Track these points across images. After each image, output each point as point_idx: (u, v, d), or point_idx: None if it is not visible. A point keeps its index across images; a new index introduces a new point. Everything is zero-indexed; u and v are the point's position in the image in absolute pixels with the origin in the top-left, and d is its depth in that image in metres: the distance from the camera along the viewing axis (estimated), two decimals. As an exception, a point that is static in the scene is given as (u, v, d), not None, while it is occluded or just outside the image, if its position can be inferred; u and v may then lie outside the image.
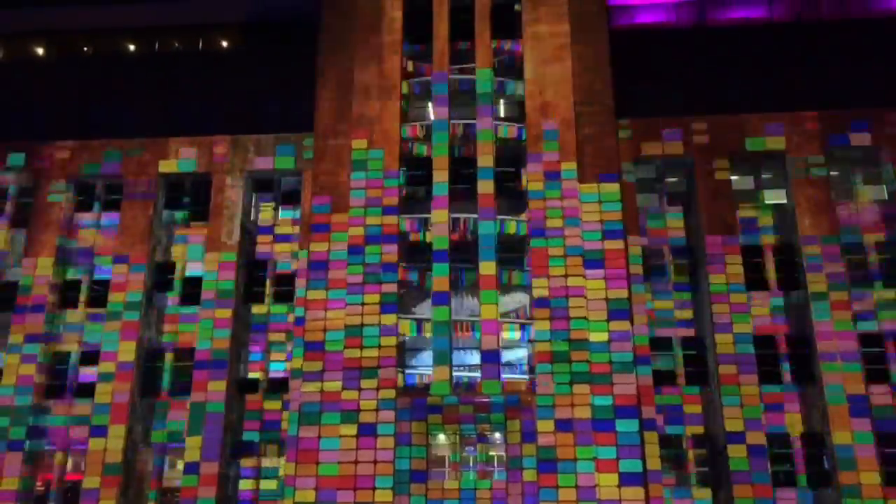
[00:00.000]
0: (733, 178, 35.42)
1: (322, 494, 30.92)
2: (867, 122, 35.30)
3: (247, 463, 33.88)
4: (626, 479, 30.47)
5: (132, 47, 41.64)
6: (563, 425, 31.13)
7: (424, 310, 33.24)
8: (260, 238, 36.20)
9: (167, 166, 36.84)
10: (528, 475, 31.12)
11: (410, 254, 34.06)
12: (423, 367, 32.71)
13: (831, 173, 35.25)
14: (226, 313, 34.46)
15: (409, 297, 33.55)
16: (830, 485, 31.44)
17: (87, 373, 34.95)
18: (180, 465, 33.38)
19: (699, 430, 32.81)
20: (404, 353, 33.08)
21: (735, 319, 33.18)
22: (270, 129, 36.98)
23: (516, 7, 37.04)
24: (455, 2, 37.13)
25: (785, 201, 35.20)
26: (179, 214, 36.97)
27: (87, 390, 34.51)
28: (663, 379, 33.37)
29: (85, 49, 41.84)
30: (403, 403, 32.04)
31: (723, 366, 32.64)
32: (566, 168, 34.14)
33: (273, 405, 33.95)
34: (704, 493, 32.15)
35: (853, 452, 31.34)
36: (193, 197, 36.88)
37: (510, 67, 36.25)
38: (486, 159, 34.31)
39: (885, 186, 35.31)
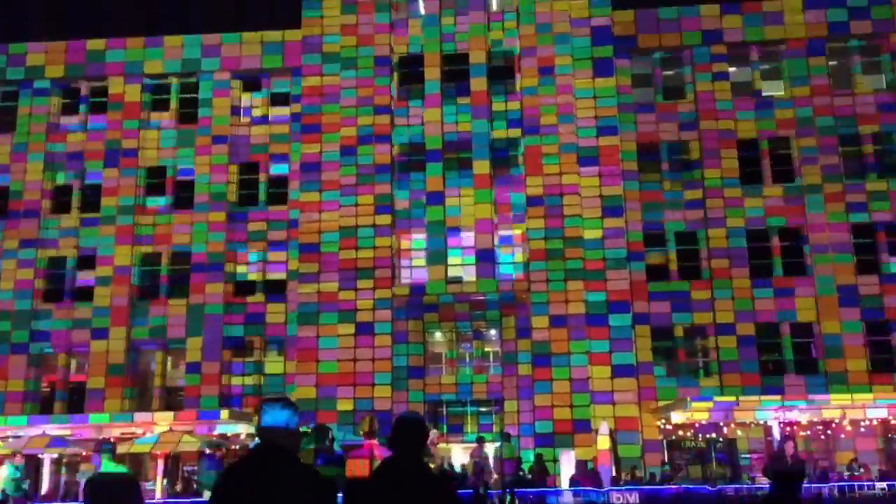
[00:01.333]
0: (730, 69, 34.89)
1: (322, 391, 31.67)
2: (867, 9, 34.49)
3: (247, 362, 34.53)
4: (618, 371, 31.21)
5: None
6: (558, 321, 31.63)
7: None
8: (251, 139, 35.73)
9: (152, 66, 35.99)
10: (523, 369, 31.80)
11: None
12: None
13: (830, 63, 34.70)
14: (219, 216, 34.50)
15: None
16: (818, 372, 32.28)
17: (85, 277, 35.19)
18: (182, 366, 34.06)
19: (691, 322, 33.34)
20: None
21: (728, 214, 33.41)
22: (257, 27, 35.95)
23: None
24: None
25: (783, 92, 34.75)
26: (167, 116, 36.39)
27: (85, 294, 34.86)
28: (656, 273, 33.73)
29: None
30: (400, 302, 32.45)
31: (715, 260, 33.10)
32: (560, 63, 33.43)
33: (271, 306, 34.34)
34: (695, 383, 32.95)
35: (841, 341, 32.11)
36: (181, 98, 36.22)
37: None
38: (478, 55, 33.58)
39: (883, 76, 34.81)
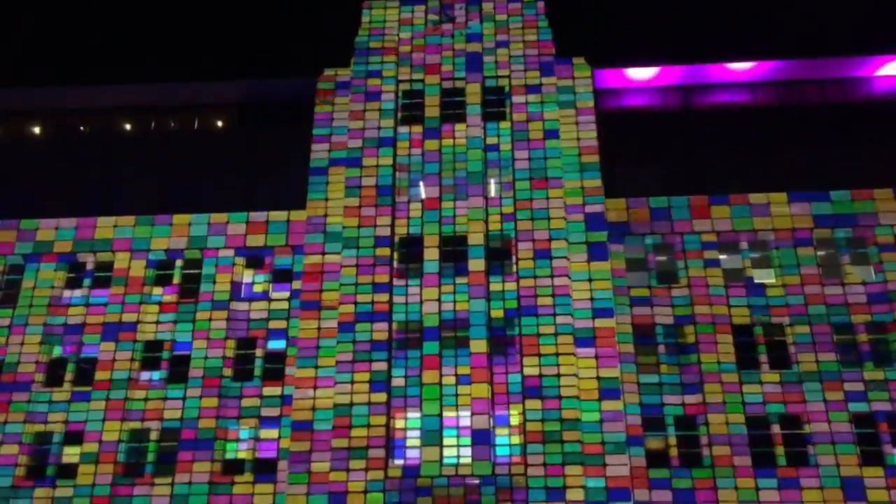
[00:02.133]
0: (721, 256, 35.88)
1: (308, 580, 30.01)
2: (850, 203, 36.03)
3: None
4: (620, 565, 29.74)
5: (128, 126, 42.25)
6: (556, 508, 30.51)
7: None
8: (251, 314, 35.99)
9: (159, 243, 37.02)
10: (520, 560, 30.32)
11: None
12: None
13: (818, 253, 35.74)
14: (213, 391, 34.15)
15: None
16: (829, 571, 30.84)
17: (71, 453, 34.25)
18: (162, 550, 32.46)
19: (694, 513, 32.19)
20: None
21: (727, 399, 33.18)
22: (263, 207, 37.40)
23: (504, 102, 38.00)
24: (448, 88, 38.26)
25: (773, 280, 35.51)
26: (169, 291, 36.84)
27: (69, 471, 33.82)
28: (657, 460, 32.94)
29: (81, 128, 42.44)
30: (392, 485, 31.43)
31: (716, 447, 32.49)
32: (556, 247, 34.38)
33: (259, 487, 33.15)
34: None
35: (850, 536, 30.92)
36: (184, 273, 36.91)
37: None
38: (476, 237, 34.64)
39: (871, 267, 35.71)
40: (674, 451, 33.09)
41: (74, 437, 34.41)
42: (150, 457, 33.98)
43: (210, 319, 35.47)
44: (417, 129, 37.39)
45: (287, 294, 36.09)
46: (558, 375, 32.31)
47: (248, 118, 41.83)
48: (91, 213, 38.08)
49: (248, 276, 36.91)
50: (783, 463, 32.64)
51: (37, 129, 42.54)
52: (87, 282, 37.20)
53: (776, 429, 33.14)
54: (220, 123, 42.14)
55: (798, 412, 33.18)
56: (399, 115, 37.94)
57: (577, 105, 37.48)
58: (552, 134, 36.56)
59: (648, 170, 38.02)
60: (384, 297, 34.11)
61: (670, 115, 40.27)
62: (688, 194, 36.75)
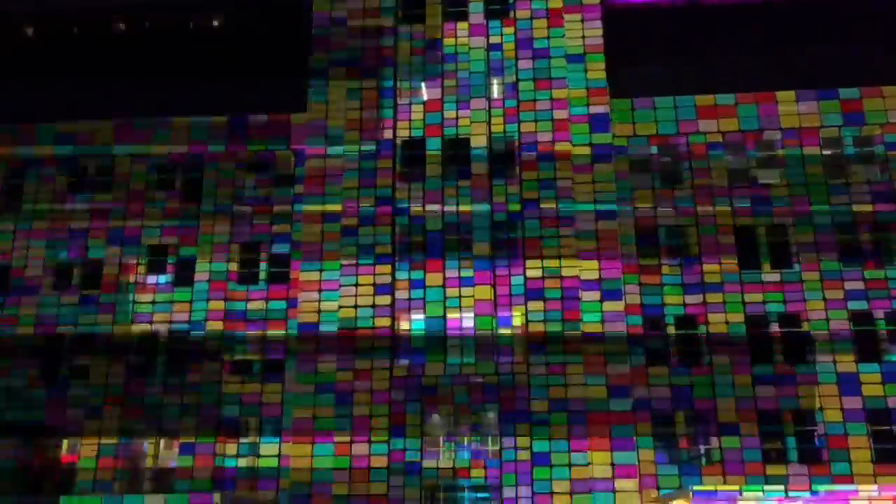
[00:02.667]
0: (726, 157, 35.56)
1: (318, 474, 31.08)
2: (859, 101, 35.42)
3: (241, 443, 33.93)
4: (619, 458, 30.70)
5: (123, 26, 41.24)
6: (557, 405, 31.31)
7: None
8: (254, 218, 36.04)
9: (159, 148, 36.75)
10: (522, 455, 31.30)
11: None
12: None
13: (824, 152, 35.39)
14: (220, 295, 34.55)
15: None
16: (821, 462, 31.77)
17: (82, 355, 34.94)
18: (175, 447, 33.50)
19: (692, 409, 32.96)
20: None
21: (727, 299, 33.49)
22: (262, 110, 36.90)
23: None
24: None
25: (778, 181, 35.30)
26: (172, 195, 36.78)
27: (81, 372, 34.57)
28: (656, 358, 33.55)
29: (74, 29, 41.43)
30: (397, 384, 32.18)
31: (715, 345, 33.00)
32: (559, 149, 34.09)
33: (268, 387, 33.98)
34: (697, 471, 32.36)
35: (843, 430, 31.72)
36: (185, 178, 36.77)
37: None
38: (479, 140, 34.35)
39: (877, 166, 35.41)
40: (673, 350, 33.65)
41: (84, 340, 35.00)
42: (161, 359, 34.68)
43: (213, 224, 35.54)
44: (419, 27, 36.55)
45: (290, 197, 36.02)
46: (560, 278, 32.57)
47: (246, 18, 40.70)
48: (89, 116, 37.63)
49: (249, 180, 36.71)
50: (780, 360, 33.23)
51: (29, 31, 41.56)
52: (88, 186, 37.03)
53: (775, 327, 33.60)
54: (216, 23, 41.07)
55: (797, 311, 33.54)
56: (399, 13, 36.98)
57: (583, 1, 36.46)
58: (556, 32, 35.74)
59: (654, 69, 37.19)
60: (387, 200, 34.07)
61: (677, 12, 39.10)
62: (694, 94, 36.12)
